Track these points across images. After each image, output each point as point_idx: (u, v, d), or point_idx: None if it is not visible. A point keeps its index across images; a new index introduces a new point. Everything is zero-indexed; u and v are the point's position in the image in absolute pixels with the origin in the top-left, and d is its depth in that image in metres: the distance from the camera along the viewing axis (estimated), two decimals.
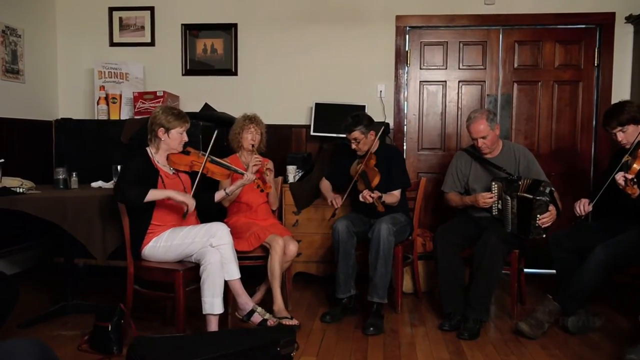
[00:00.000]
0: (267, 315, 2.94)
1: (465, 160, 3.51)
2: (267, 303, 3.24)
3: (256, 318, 2.92)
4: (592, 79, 4.40)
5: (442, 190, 3.61)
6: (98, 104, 4.36)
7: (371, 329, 3.07)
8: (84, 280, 3.96)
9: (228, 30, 4.63)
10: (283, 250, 3.21)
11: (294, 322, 3.08)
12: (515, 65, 4.47)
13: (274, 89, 4.61)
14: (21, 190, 3.03)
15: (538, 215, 3.11)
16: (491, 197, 3.26)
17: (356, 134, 3.41)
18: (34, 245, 4.46)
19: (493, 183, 3.28)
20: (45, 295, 3.68)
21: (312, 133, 4.37)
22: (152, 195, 2.79)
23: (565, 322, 3.04)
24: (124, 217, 2.87)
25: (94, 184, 3.52)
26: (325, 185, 3.68)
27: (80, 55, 4.76)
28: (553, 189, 3.16)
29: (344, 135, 4.18)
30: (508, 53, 4.46)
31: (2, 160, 3.09)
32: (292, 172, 4.09)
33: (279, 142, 4.45)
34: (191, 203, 2.84)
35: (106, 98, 4.36)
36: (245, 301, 2.93)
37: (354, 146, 3.46)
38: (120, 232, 2.96)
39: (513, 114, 4.48)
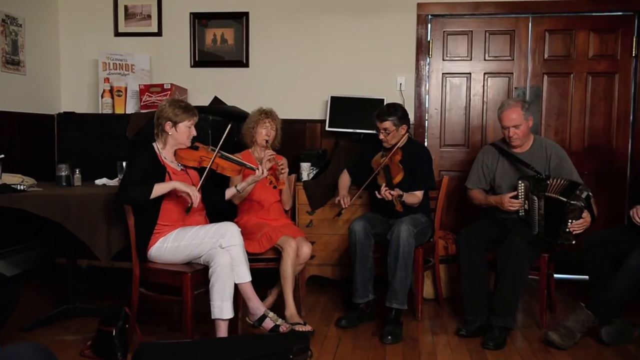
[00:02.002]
0: (280, 321, 2.94)
1: (492, 155, 3.48)
2: (279, 308, 3.24)
3: (268, 323, 2.92)
4: (629, 70, 4.34)
5: (466, 186, 3.58)
6: (102, 97, 4.39)
7: (389, 337, 3.06)
8: (87, 282, 4.00)
9: (239, 19, 4.64)
10: (296, 253, 3.21)
11: (308, 328, 3.07)
12: (546, 56, 4.42)
13: (287, 81, 4.61)
14: (22, 187, 3.05)
15: (570, 221, 3.07)
16: (519, 203, 3.23)
17: (388, 124, 3.40)
18: (35, 245, 4.50)
19: (519, 182, 3.25)
20: (46, 298, 3.71)
21: (327, 128, 4.36)
22: (157, 189, 2.80)
23: (599, 332, 3.00)
24: (129, 217, 2.89)
25: (98, 181, 3.55)
26: (344, 180, 3.67)
27: (83, 46, 4.79)
28: (590, 194, 3.11)
29: (361, 131, 4.21)
30: (538, 43, 4.41)
31: (2, 155, 3.12)
32: (306, 170, 4.09)
33: (293, 138, 4.44)
34: (195, 195, 2.82)
35: (111, 91, 4.39)
36: (257, 305, 2.93)
37: (381, 136, 3.44)
38: (125, 232, 2.97)
39: (543, 109, 4.43)
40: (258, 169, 3.11)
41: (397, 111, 3.42)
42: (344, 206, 3.42)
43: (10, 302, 2.60)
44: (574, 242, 3.10)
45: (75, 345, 2.93)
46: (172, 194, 2.92)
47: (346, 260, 3.74)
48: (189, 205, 2.85)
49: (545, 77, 4.43)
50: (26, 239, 4.40)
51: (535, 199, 3.17)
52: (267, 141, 3.43)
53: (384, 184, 3.26)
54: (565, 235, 3.10)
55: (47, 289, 3.92)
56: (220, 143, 2.99)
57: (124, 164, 3.32)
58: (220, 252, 2.79)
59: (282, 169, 3.35)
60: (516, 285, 3.08)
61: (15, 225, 4.07)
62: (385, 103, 4.07)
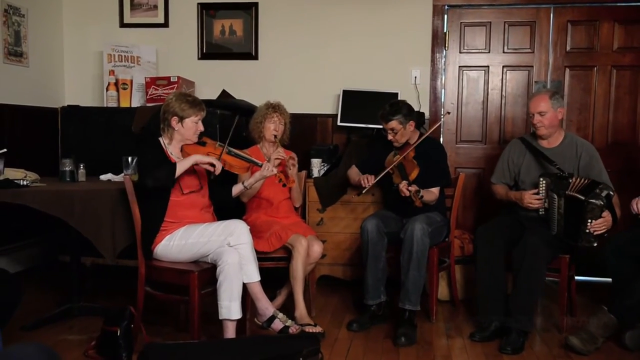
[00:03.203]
0: (289, 322, 2.95)
1: (519, 150, 3.47)
2: (289, 308, 3.24)
3: (277, 325, 2.92)
4: None
5: (490, 182, 3.59)
6: (107, 90, 4.41)
7: (403, 339, 3.05)
8: (91, 281, 4.02)
9: (248, 10, 4.63)
10: (306, 252, 3.21)
11: (318, 329, 3.08)
12: (568, 48, 4.38)
13: (297, 74, 4.60)
14: (25, 182, 3.08)
15: (590, 221, 3.04)
16: (539, 200, 3.21)
17: (393, 123, 3.39)
18: (38, 242, 4.54)
19: (541, 179, 3.24)
20: (50, 296, 3.74)
21: (339, 123, 4.36)
22: (180, 166, 2.83)
23: (623, 337, 2.97)
24: (135, 213, 2.90)
25: (103, 177, 3.57)
26: (354, 172, 3.66)
27: (88, 37, 4.81)
28: (612, 193, 3.08)
29: (374, 126, 4.19)
30: (559, 34, 4.37)
31: (5, 150, 3.14)
32: (317, 166, 4.08)
33: (303, 132, 4.43)
34: (216, 163, 2.86)
35: (116, 84, 4.41)
36: (265, 306, 2.94)
37: (390, 137, 3.44)
38: (130, 229, 2.99)
39: (564, 103, 4.38)
40: (265, 165, 3.09)
41: (401, 109, 3.41)
42: (366, 185, 3.34)
43: (13, 300, 2.62)
44: (595, 244, 3.07)
45: (79, 345, 2.95)
46: (179, 191, 2.93)
47: (358, 259, 3.74)
48: (212, 172, 2.90)
49: (567, 70, 4.39)
50: (29, 235, 4.43)
51: (555, 197, 3.15)
52: (275, 136, 3.42)
53: (400, 181, 3.25)
54: (586, 236, 3.07)
55: (50, 287, 3.95)
56: (228, 140, 2.99)
57: (130, 159, 3.34)
58: (229, 250, 2.79)
59: (292, 165, 3.35)
60: (532, 287, 3.06)
61: (18, 222, 4.09)
62: (399, 97, 4.08)
